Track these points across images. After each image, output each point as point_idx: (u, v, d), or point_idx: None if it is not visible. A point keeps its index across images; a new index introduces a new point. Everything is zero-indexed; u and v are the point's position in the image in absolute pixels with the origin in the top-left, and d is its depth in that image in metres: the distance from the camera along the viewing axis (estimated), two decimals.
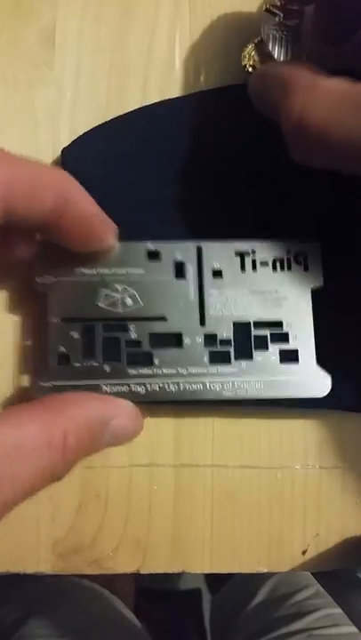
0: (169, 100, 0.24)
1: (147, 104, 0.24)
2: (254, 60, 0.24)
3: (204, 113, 0.24)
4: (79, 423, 0.17)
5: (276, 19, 0.23)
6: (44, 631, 0.49)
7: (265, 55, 0.23)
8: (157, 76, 0.25)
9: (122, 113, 0.24)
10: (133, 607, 0.74)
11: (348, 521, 0.24)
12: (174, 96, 0.25)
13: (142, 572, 0.24)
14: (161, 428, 0.24)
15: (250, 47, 0.24)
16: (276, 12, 0.23)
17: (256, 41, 0.24)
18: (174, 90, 0.25)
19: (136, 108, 0.24)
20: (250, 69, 0.24)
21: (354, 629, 0.46)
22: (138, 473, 0.24)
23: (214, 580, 0.77)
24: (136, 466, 0.24)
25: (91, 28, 0.25)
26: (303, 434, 0.24)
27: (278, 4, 0.23)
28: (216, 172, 0.24)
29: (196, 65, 0.25)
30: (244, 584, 0.62)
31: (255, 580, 0.59)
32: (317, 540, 0.24)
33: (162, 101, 0.24)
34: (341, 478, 0.24)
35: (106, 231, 0.21)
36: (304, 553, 0.24)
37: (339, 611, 0.48)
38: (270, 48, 0.23)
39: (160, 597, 0.81)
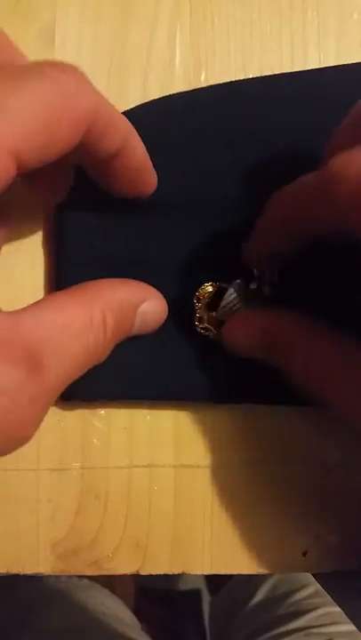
0: (206, 88, 0.24)
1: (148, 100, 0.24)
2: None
3: (241, 102, 0.23)
4: (114, 305, 0.19)
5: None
6: (44, 631, 0.49)
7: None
8: (157, 74, 0.25)
9: (121, 111, 0.24)
10: (133, 607, 0.74)
11: (349, 521, 0.24)
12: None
13: (142, 573, 0.24)
14: (161, 428, 0.24)
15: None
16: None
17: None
18: (175, 89, 0.25)
19: (137, 105, 0.24)
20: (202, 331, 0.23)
21: (353, 628, 0.46)
22: (137, 474, 0.24)
23: (214, 581, 0.77)
24: (136, 467, 0.24)
25: (90, 27, 0.25)
26: (304, 433, 0.24)
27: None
28: (248, 168, 0.23)
29: (196, 64, 0.25)
30: (244, 584, 0.62)
31: (255, 579, 0.59)
32: (318, 540, 0.24)
33: (195, 91, 0.24)
34: (343, 478, 0.24)
35: (151, 181, 0.21)
36: (305, 554, 0.24)
37: (338, 609, 0.49)
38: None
39: (160, 598, 0.81)
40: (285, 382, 0.22)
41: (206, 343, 0.23)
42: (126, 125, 0.19)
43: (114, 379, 0.23)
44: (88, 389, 0.23)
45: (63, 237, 0.23)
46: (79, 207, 0.23)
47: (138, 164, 0.20)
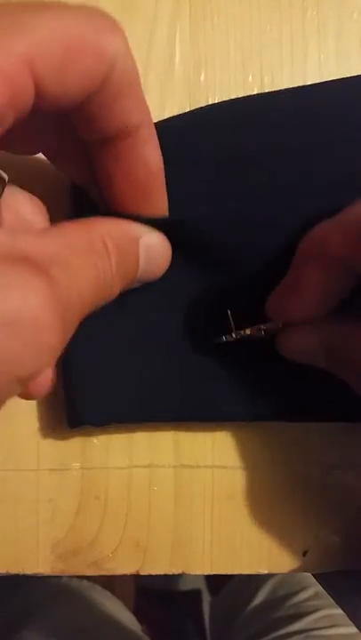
0: (203, 108, 0.23)
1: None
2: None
3: (242, 121, 0.23)
4: (113, 233, 0.18)
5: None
6: (44, 631, 0.49)
7: None
8: (157, 74, 0.25)
9: None
10: (133, 608, 0.74)
11: (349, 521, 0.24)
12: (174, 94, 0.25)
13: (142, 573, 0.24)
14: (161, 428, 0.24)
15: None
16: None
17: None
18: (174, 89, 0.25)
19: None
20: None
21: (352, 630, 0.46)
22: (137, 474, 0.24)
23: (214, 581, 0.77)
24: (136, 467, 0.24)
25: None
26: (304, 434, 0.24)
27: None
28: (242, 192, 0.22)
29: (196, 63, 0.25)
30: (244, 585, 0.62)
31: (255, 580, 0.59)
32: (318, 540, 0.24)
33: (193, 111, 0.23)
34: (342, 478, 0.24)
35: (159, 201, 0.20)
36: (305, 554, 0.24)
37: (338, 611, 0.48)
38: None
39: (160, 598, 0.81)
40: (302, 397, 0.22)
41: (222, 363, 0.23)
42: (147, 109, 0.18)
43: (127, 402, 0.22)
44: (102, 414, 0.22)
45: None
46: None
47: (148, 159, 0.18)
